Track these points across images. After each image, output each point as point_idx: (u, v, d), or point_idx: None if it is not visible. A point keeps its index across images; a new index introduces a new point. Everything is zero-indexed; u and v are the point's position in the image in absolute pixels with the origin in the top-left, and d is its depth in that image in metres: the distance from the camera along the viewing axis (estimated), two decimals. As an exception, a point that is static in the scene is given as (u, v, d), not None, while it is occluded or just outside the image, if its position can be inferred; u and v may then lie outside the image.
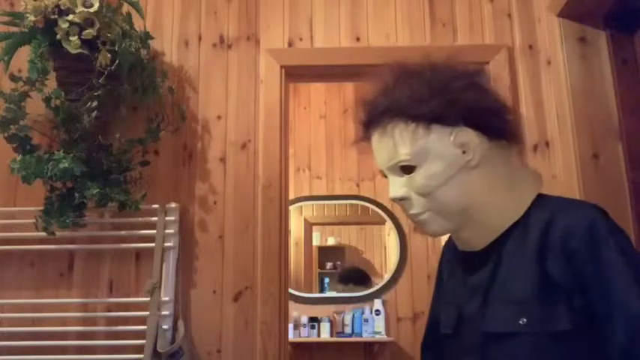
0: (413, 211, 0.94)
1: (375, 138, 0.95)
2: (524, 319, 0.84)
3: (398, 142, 0.91)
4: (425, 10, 2.00)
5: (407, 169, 0.92)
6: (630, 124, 1.64)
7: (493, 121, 0.93)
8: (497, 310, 0.88)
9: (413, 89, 0.91)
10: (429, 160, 0.90)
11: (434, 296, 1.15)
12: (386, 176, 0.97)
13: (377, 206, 3.80)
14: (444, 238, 1.19)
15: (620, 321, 0.80)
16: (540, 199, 0.95)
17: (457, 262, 1.04)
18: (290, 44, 1.99)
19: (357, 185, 3.86)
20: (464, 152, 0.91)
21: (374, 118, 0.95)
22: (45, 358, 1.72)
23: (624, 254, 0.83)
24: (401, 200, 0.94)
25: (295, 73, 2.00)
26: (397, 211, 3.74)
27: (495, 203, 0.92)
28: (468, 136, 0.90)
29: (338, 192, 3.87)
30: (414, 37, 1.98)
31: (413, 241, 3.67)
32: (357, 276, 3.79)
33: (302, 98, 4.00)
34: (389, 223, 3.75)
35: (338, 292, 3.79)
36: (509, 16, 1.97)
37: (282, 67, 1.94)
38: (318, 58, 1.97)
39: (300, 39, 1.99)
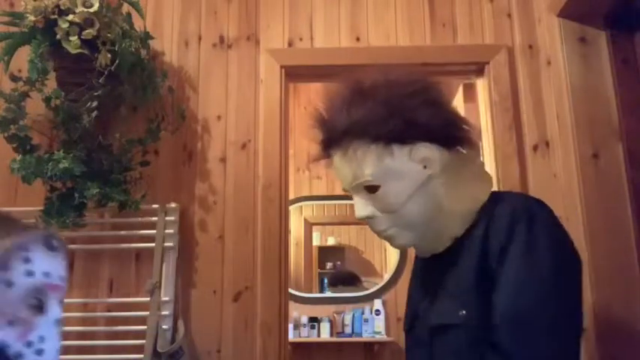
0: (379, 228, 0.97)
1: (337, 159, 0.98)
2: (464, 311, 0.88)
3: (360, 163, 0.93)
4: (425, 10, 2.00)
5: (371, 189, 0.94)
6: (630, 124, 1.64)
7: (450, 133, 0.96)
8: (441, 303, 0.93)
9: (370, 109, 0.93)
10: (392, 178, 0.93)
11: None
12: (349, 195, 1.00)
13: (377, 206, 3.80)
14: None
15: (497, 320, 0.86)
16: (493, 195, 0.99)
17: (418, 267, 1.11)
18: (290, 44, 1.99)
19: (357, 185, 3.86)
20: (425, 167, 0.94)
21: (334, 139, 0.97)
22: (45, 358, 1.72)
23: (528, 252, 0.86)
24: (367, 219, 0.97)
25: (295, 73, 2.00)
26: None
27: (455, 210, 0.95)
28: (428, 151, 0.93)
29: (338, 192, 3.86)
30: (414, 37, 1.98)
31: (413, 241, 3.67)
32: (345, 277, 3.81)
33: (302, 98, 4.00)
34: (389, 223, 3.75)
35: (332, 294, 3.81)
36: (509, 16, 1.97)
37: (282, 67, 1.94)
38: (318, 58, 1.97)
39: (300, 39, 1.99)
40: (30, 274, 0.84)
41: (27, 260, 0.84)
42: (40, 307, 0.84)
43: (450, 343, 0.90)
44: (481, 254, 0.89)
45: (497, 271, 0.87)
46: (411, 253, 3.70)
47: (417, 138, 0.93)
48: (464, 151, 0.98)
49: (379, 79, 0.97)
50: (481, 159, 1.05)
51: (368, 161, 0.93)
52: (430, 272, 1.02)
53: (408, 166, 0.93)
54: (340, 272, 3.87)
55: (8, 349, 0.79)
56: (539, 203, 0.93)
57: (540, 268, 0.85)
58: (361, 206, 0.97)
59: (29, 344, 0.81)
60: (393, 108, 0.92)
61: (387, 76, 0.97)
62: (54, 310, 0.86)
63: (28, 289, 0.83)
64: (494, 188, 1.86)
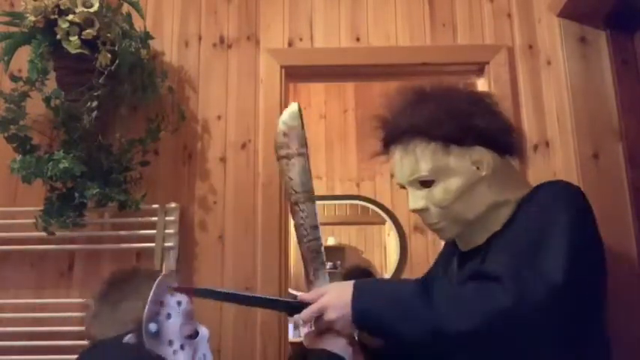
0: (430, 221, 1.06)
1: (397, 155, 1.07)
2: None
3: (419, 159, 1.03)
4: (425, 10, 2.00)
5: (426, 184, 1.03)
6: (630, 124, 1.64)
7: (503, 140, 1.05)
8: None
9: (432, 111, 1.03)
10: (446, 175, 1.02)
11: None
12: (404, 188, 1.09)
13: (377, 206, 3.80)
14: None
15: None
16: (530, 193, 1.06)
17: (453, 258, 1.14)
18: (290, 44, 1.99)
19: (357, 185, 3.86)
20: (477, 168, 1.02)
21: (395, 136, 1.07)
22: (45, 358, 1.72)
23: (570, 229, 0.90)
24: (420, 211, 1.05)
25: (295, 73, 2.00)
26: (397, 211, 3.74)
27: (498, 210, 1.03)
28: (482, 154, 1.03)
29: (338, 192, 3.87)
30: (414, 37, 1.98)
31: (413, 241, 3.67)
32: (362, 273, 3.78)
33: (302, 98, 4.00)
34: (389, 223, 3.75)
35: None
36: (509, 16, 1.97)
37: (282, 67, 1.94)
38: (318, 58, 1.97)
39: (300, 39, 1.99)
40: (179, 303, 1.09)
41: (173, 293, 1.09)
42: (196, 331, 1.10)
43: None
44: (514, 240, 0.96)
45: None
46: (411, 253, 3.69)
47: (473, 141, 1.02)
48: (512, 158, 1.08)
49: (439, 86, 1.08)
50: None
51: (426, 158, 1.02)
52: (467, 262, 1.07)
53: (463, 166, 1.02)
54: (356, 268, 3.85)
55: None
56: (571, 187, 1.00)
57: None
58: (416, 199, 1.05)
59: None
60: (454, 112, 1.02)
61: (444, 84, 1.09)
62: (202, 330, 1.11)
63: (182, 316, 1.08)
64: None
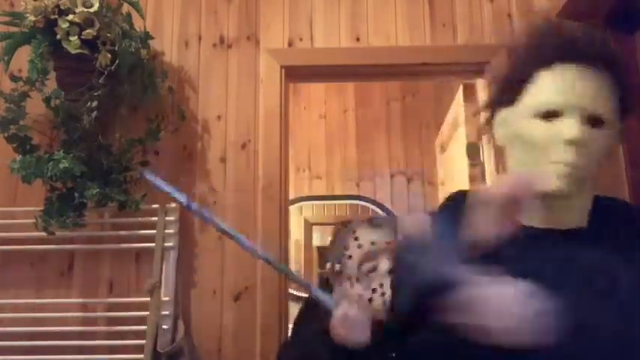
0: (572, 160, 0.83)
1: (578, 71, 0.84)
2: None
3: (606, 94, 0.85)
4: (425, 10, 2.00)
5: (595, 123, 0.84)
6: (630, 124, 1.64)
7: (634, 103, 0.92)
8: (603, 309, 0.75)
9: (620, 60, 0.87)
10: (613, 127, 0.87)
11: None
12: (550, 114, 0.85)
13: (377, 206, 3.79)
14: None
15: None
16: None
17: (533, 238, 0.86)
18: (290, 44, 1.99)
19: (357, 185, 3.85)
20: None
21: (591, 51, 0.85)
22: (45, 358, 1.72)
23: None
24: (576, 143, 0.83)
25: (295, 73, 2.00)
26: (397, 211, 3.73)
27: (590, 193, 0.88)
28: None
29: (338, 192, 3.86)
30: (414, 37, 1.98)
31: (413, 241, 3.66)
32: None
33: (302, 98, 4.00)
34: (389, 223, 3.75)
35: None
36: (509, 16, 1.97)
37: (282, 67, 1.94)
38: (318, 58, 1.97)
39: (300, 39, 1.99)
40: (360, 246, 1.31)
41: (356, 238, 1.32)
42: (374, 267, 1.29)
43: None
44: None
45: None
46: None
47: (632, 108, 0.90)
48: None
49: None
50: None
51: (610, 96, 0.85)
52: (576, 251, 0.83)
53: (618, 130, 0.89)
54: None
55: (362, 296, 1.25)
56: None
57: None
58: (581, 130, 0.83)
59: (374, 290, 1.25)
60: (626, 68, 0.87)
61: None
62: (383, 265, 1.28)
63: (360, 256, 1.30)
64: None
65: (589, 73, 0.84)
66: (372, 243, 1.31)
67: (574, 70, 0.85)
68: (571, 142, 0.83)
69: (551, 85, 0.86)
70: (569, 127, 0.83)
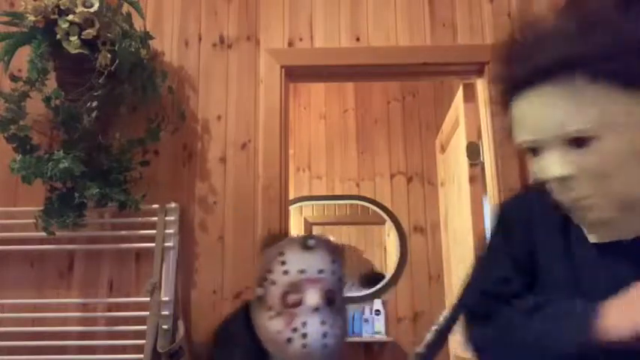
0: (577, 195, 0.73)
1: (536, 98, 0.74)
2: None
3: (576, 105, 0.70)
4: (425, 10, 2.00)
5: (581, 142, 0.71)
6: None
7: None
8: None
9: (603, 38, 0.70)
10: (613, 131, 0.70)
11: (496, 259, 0.92)
12: (534, 150, 0.76)
13: (377, 206, 3.80)
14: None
15: None
16: None
17: (583, 246, 0.81)
18: (290, 44, 1.99)
19: (357, 185, 3.85)
20: None
21: (541, 69, 0.73)
22: (45, 358, 1.72)
23: None
24: (563, 180, 0.73)
25: (295, 73, 2.00)
26: (397, 211, 3.74)
27: None
28: None
29: (338, 192, 3.86)
30: (414, 37, 1.98)
31: (413, 241, 3.67)
32: (377, 278, 3.77)
33: (302, 98, 4.00)
34: (389, 223, 3.75)
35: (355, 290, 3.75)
36: (509, 16, 1.97)
37: (282, 67, 1.94)
38: (318, 58, 1.97)
39: (300, 39, 1.99)
40: (286, 273, 1.11)
41: (283, 263, 1.12)
42: (299, 299, 1.10)
43: None
44: None
45: None
46: (411, 253, 3.68)
47: None
48: None
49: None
50: None
51: (588, 103, 0.70)
52: (603, 256, 0.78)
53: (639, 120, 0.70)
54: (372, 273, 3.84)
55: (280, 334, 1.08)
56: None
57: None
58: (560, 162, 0.72)
59: (295, 330, 1.07)
60: (635, 39, 0.69)
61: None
62: (310, 299, 1.09)
63: (285, 285, 1.10)
64: (495, 189, 1.83)
65: (552, 89, 0.73)
66: (301, 271, 1.12)
67: (539, 92, 0.74)
68: (559, 180, 0.74)
69: (518, 122, 0.77)
70: (550, 164, 0.74)
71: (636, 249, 0.76)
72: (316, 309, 1.09)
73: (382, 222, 3.80)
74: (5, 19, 1.71)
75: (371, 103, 3.94)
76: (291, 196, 3.65)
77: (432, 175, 3.62)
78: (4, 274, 1.82)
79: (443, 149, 2.84)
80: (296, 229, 3.86)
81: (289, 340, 1.08)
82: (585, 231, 0.81)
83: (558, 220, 0.82)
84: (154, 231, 1.78)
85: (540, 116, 0.74)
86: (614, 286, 0.74)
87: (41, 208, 1.70)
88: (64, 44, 1.60)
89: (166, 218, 1.80)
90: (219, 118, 1.93)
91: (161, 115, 1.87)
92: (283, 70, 1.95)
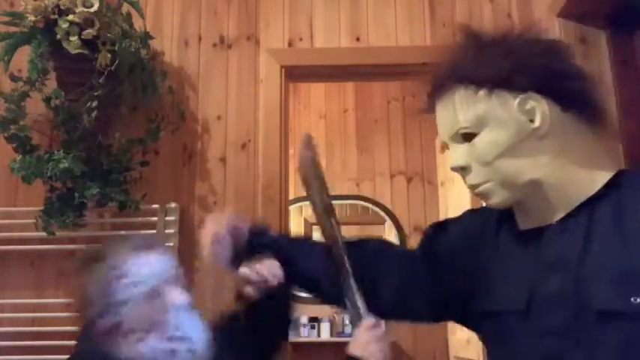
0: (473, 182, 0.88)
1: (438, 107, 0.91)
2: (637, 298, 0.74)
3: (458, 108, 0.87)
4: (425, 10, 2.00)
5: (468, 137, 0.87)
6: (630, 124, 1.64)
7: (565, 87, 0.85)
8: (601, 286, 0.77)
9: (477, 52, 0.87)
10: (490, 126, 0.85)
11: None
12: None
13: (377, 206, 3.80)
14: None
15: None
16: (627, 175, 0.86)
17: (513, 236, 0.92)
18: (290, 44, 1.99)
19: (357, 185, 3.86)
20: (531, 120, 0.84)
21: (437, 85, 0.91)
22: (45, 358, 1.72)
23: None
24: (461, 170, 0.89)
25: (295, 73, 2.00)
26: (397, 211, 3.74)
27: (568, 176, 0.84)
28: (536, 103, 0.84)
29: (338, 192, 3.86)
30: (414, 37, 1.98)
31: (413, 241, 3.66)
32: None
33: (302, 98, 4.00)
34: (389, 223, 3.75)
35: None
36: (509, 16, 1.97)
37: (282, 67, 1.94)
38: (318, 58, 1.97)
39: (300, 39, 1.99)
40: (136, 285, 0.92)
41: (121, 276, 0.91)
42: (162, 305, 0.93)
43: (613, 333, 0.75)
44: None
45: None
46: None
47: (525, 86, 0.84)
48: (581, 114, 0.86)
49: (498, 31, 0.90)
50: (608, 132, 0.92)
51: (465, 106, 0.86)
52: (551, 245, 0.85)
53: (511, 116, 0.84)
54: None
55: (158, 351, 0.90)
56: None
57: None
58: (456, 155, 0.89)
59: (171, 338, 0.91)
60: (504, 52, 0.85)
61: (505, 28, 0.91)
62: (175, 300, 0.94)
63: (142, 296, 0.91)
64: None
65: (444, 99, 0.90)
66: (149, 276, 0.92)
67: (438, 103, 0.92)
68: (459, 170, 0.90)
69: (437, 124, 0.95)
70: (452, 157, 0.91)
71: (550, 233, 0.86)
72: (185, 306, 0.96)
73: (382, 222, 3.80)
74: (5, 19, 1.71)
75: (371, 103, 3.94)
76: (291, 196, 3.64)
77: (432, 175, 3.62)
78: (4, 274, 1.82)
79: (443, 149, 2.84)
80: (296, 229, 3.86)
81: (172, 352, 0.91)
82: (517, 218, 0.92)
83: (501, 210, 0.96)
84: (154, 231, 1.78)
85: (440, 121, 0.92)
86: (520, 271, 0.88)
87: (41, 208, 1.70)
88: (64, 44, 1.60)
89: (166, 218, 1.80)
90: (219, 118, 1.93)
91: (161, 115, 1.87)
92: (283, 70, 1.95)
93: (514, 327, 0.87)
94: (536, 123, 0.84)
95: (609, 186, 0.83)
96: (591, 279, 0.78)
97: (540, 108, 0.84)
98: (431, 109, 0.94)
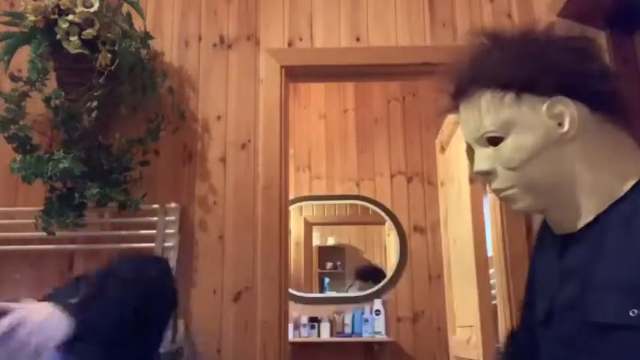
0: (498, 186, 0.87)
1: (462, 109, 0.90)
2: (636, 311, 0.72)
3: (484, 112, 0.86)
4: (425, 10, 2.01)
5: (494, 141, 0.86)
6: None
7: (594, 88, 0.83)
8: (601, 298, 0.76)
9: (502, 54, 0.86)
10: (517, 131, 0.84)
11: (527, 279, 1.04)
12: (472, 151, 0.91)
13: (377, 206, 3.80)
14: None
15: None
16: None
17: (551, 244, 0.92)
18: (290, 44, 1.99)
19: (357, 185, 3.86)
20: (559, 124, 0.82)
21: (461, 87, 0.90)
22: (45, 358, 1.72)
23: None
24: (486, 174, 0.87)
25: (295, 73, 2.00)
26: (397, 211, 3.74)
27: (592, 182, 0.82)
28: (565, 106, 0.82)
29: (338, 192, 3.86)
30: (414, 37, 1.98)
31: (413, 241, 3.67)
32: (377, 274, 3.78)
33: (302, 98, 4.00)
34: (389, 223, 3.75)
35: (358, 288, 3.76)
36: (509, 16, 1.97)
37: (282, 67, 1.94)
38: (318, 58, 1.97)
39: (300, 39, 1.99)
40: None
41: None
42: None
43: (612, 347, 0.75)
44: None
45: None
46: (411, 253, 3.68)
47: (553, 89, 0.82)
48: (611, 116, 0.84)
49: (515, 29, 0.89)
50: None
51: (492, 110, 0.85)
52: (569, 253, 0.85)
53: (539, 120, 0.82)
54: (369, 267, 3.85)
55: None
56: None
57: None
58: (481, 159, 0.87)
59: None
60: (530, 54, 0.84)
61: (527, 28, 0.89)
62: None
63: None
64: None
65: (469, 102, 0.89)
66: None
67: (463, 105, 0.91)
68: (483, 174, 0.89)
69: (460, 127, 0.95)
70: (476, 161, 0.90)
71: (571, 241, 0.85)
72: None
73: (382, 222, 3.80)
74: (5, 19, 1.71)
75: (371, 103, 3.95)
76: (291, 196, 3.65)
77: (432, 175, 3.62)
78: (4, 274, 1.82)
79: (443, 149, 2.84)
80: (296, 229, 3.87)
81: None
82: (549, 224, 0.92)
83: None
84: (154, 231, 1.78)
85: (464, 124, 0.91)
86: (548, 281, 0.88)
87: (41, 208, 1.70)
88: (64, 44, 1.60)
89: (166, 218, 1.80)
90: (219, 118, 1.93)
91: (161, 115, 1.87)
92: (283, 69, 1.95)
93: (540, 337, 0.89)
94: (565, 127, 0.82)
95: (632, 191, 0.81)
96: (593, 290, 0.77)
97: (569, 112, 0.82)
98: (454, 109, 0.93)
